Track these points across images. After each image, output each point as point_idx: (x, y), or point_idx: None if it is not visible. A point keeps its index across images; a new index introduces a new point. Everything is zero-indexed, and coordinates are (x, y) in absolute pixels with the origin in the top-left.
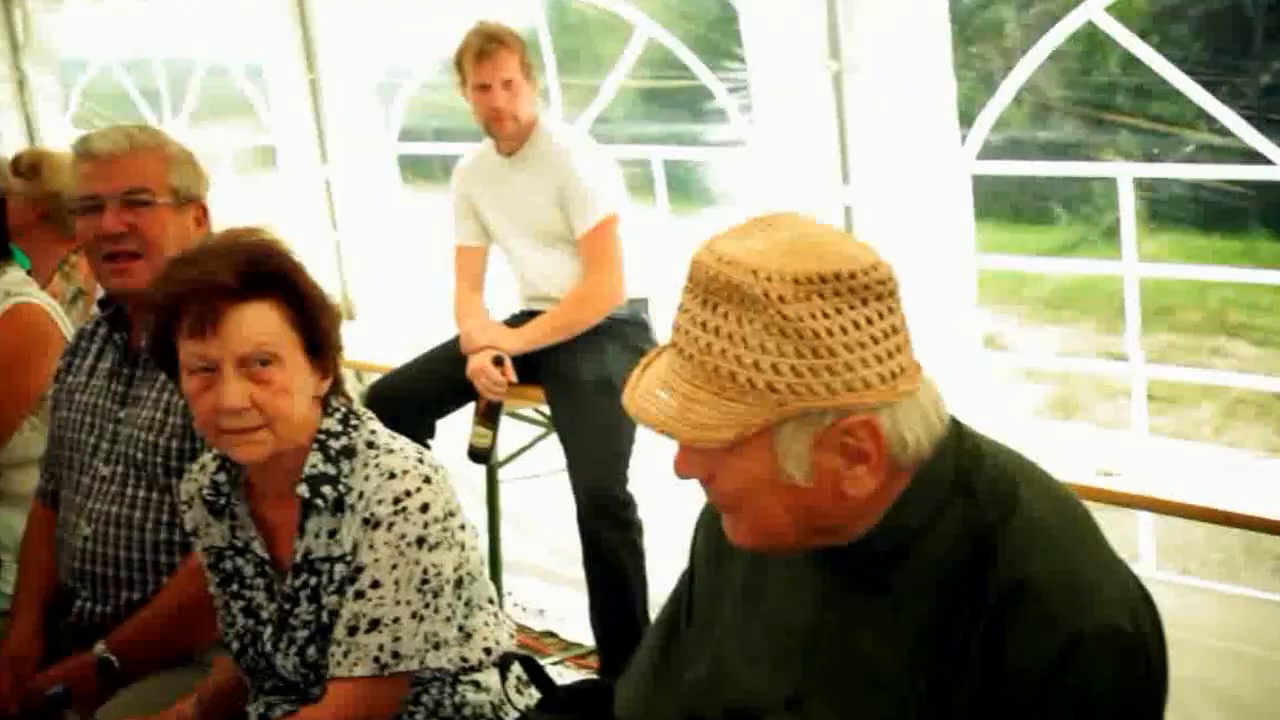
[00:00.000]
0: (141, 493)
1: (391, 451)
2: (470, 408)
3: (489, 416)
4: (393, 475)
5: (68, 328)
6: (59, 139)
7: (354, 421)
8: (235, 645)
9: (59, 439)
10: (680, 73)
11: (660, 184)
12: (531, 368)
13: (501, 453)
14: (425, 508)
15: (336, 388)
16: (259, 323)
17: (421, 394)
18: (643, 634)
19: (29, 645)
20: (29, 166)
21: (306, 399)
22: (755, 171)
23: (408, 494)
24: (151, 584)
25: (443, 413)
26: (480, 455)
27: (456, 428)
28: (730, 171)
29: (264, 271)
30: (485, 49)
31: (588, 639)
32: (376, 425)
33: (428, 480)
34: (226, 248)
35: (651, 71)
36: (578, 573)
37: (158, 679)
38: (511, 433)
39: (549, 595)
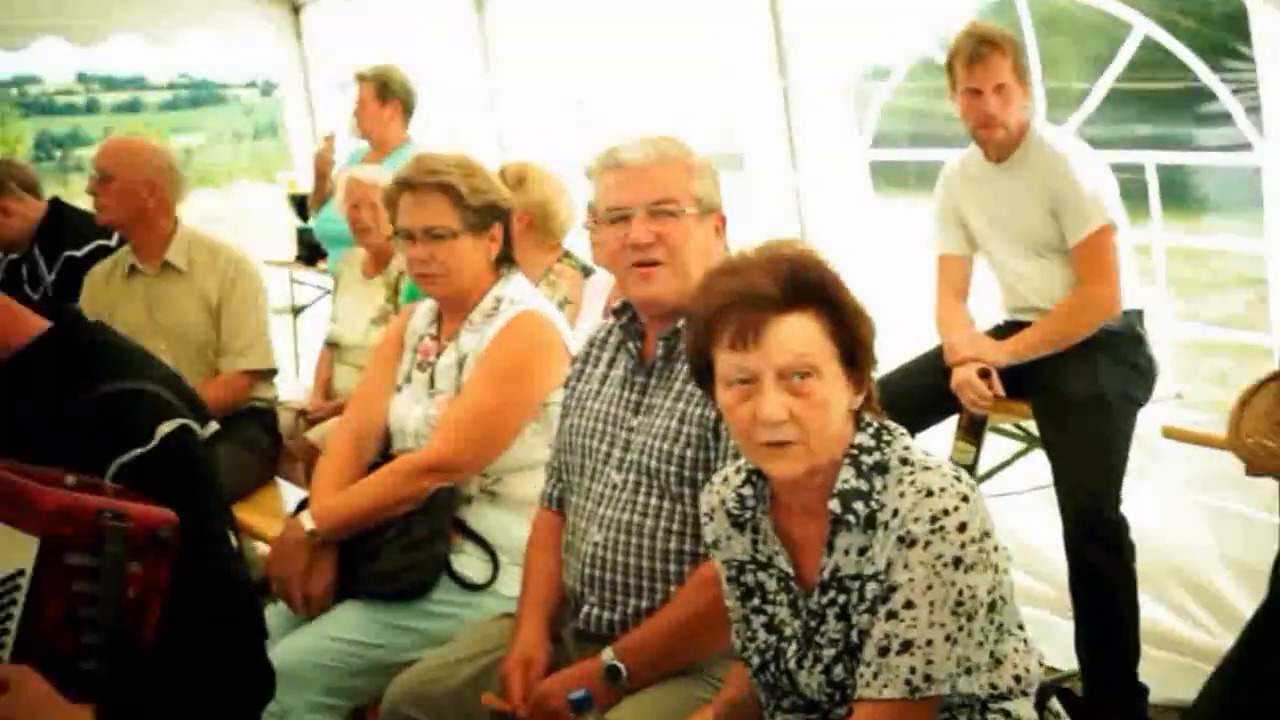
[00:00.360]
0: (653, 501)
1: (928, 468)
2: (952, 421)
3: (972, 431)
4: (930, 493)
5: (568, 335)
6: (525, 150)
7: (886, 437)
8: (755, 660)
9: (569, 445)
10: (1175, 73)
11: (1153, 190)
12: (1017, 381)
13: (980, 468)
14: (963, 527)
15: (869, 402)
16: (800, 334)
17: (902, 406)
18: (1131, 662)
19: (538, 649)
20: (514, 178)
21: (842, 413)
22: (1264, 177)
23: (945, 512)
24: (660, 593)
25: (923, 425)
26: None
27: (937, 441)
28: (1232, 178)
29: (806, 283)
30: (978, 52)
31: (1062, 662)
32: (909, 441)
33: (965, 499)
34: (768, 259)
35: (1139, 72)
36: (1051, 592)
37: (662, 689)
38: (990, 447)
39: (1023, 615)
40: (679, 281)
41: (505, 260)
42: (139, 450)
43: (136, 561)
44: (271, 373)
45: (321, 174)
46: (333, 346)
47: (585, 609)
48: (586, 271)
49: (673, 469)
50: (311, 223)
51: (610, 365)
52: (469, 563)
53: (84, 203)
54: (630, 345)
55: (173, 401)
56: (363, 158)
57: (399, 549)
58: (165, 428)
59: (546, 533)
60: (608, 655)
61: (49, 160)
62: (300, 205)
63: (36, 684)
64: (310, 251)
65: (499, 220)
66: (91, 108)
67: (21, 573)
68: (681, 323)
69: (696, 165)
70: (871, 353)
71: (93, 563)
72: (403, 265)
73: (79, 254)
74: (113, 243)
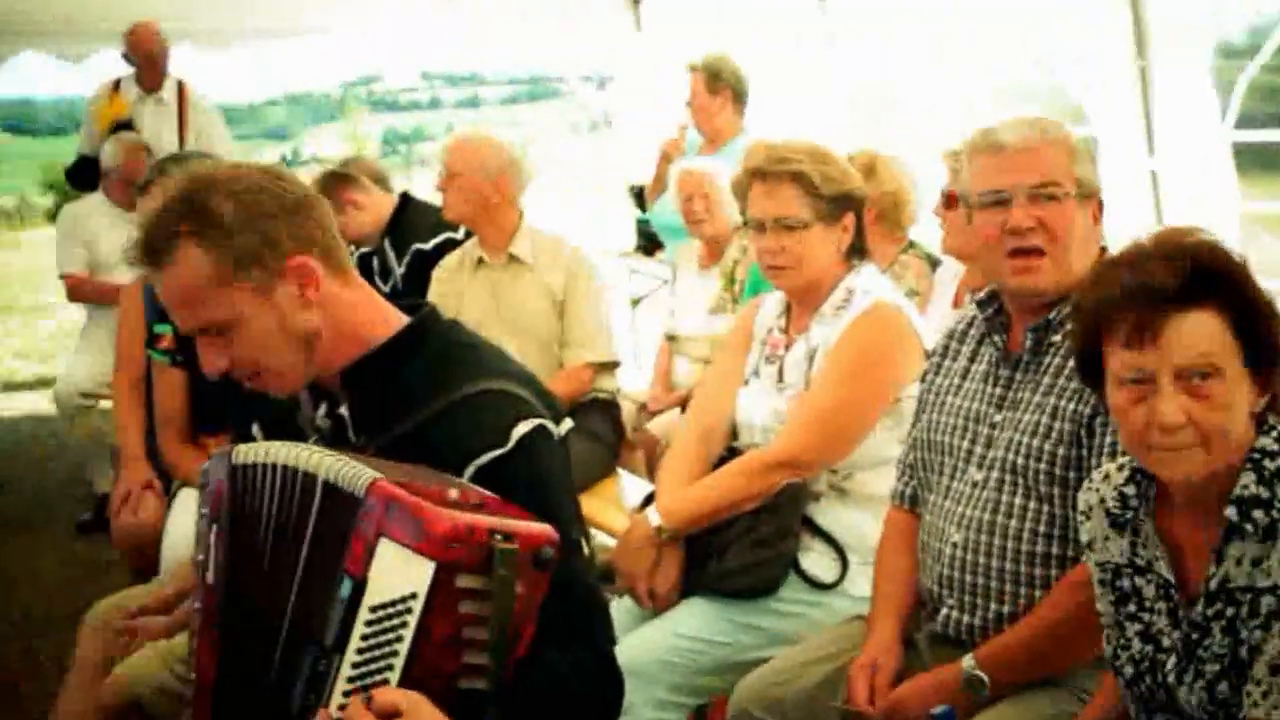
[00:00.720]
0: (1019, 500)
1: None
2: None
3: None
4: None
5: (921, 327)
6: (867, 139)
7: None
8: (1129, 670)
9: (925, 442)
10: None
11: None
12: None
13: None
14: None
15: (1274, 404)
16: (1201, 332)
17: None
18: None
19: (888, 653)
20: (864, 168)
21: (1244, 415)
22: None
23: None
24: (1024, 597)
25: None
26: None
27: None
28: None
29: (1209, 276)
30: None
31: None
32: None
33: None
34: (1167, 250)
35: None
36: None
37: (1024, 700)
38: None
39: None
40: (1059, 271)
41: (857, 251)
42: (496, 453)
43: (520, 582)
44: (614, 364)
45: (666, 163)
46: (671, 339)
47: (944, 612)
48: (933, 262)
49: (1042, 467)
50: (649, 213)
51: (972, 359)
52: (817, 561)
53: (428, 197)
54: (995, 338)
55: (529, 400)
56: (698, 149)
57: (746, 546)
58: (521, 429)
59: (898, 533)
60: (968, 663)
61: (395, 155)
62: (639, 196)
63: (429, 710)
64: (648, 242)
65: (851, 210)
66: (433, 104)
67: (414, 596)
68: (1054, 314)
69: (1076, 147)
70: (1279, 352)
71: (482, 585)
72: (738, 255)
73: (427, 247)
74: (459, 235)
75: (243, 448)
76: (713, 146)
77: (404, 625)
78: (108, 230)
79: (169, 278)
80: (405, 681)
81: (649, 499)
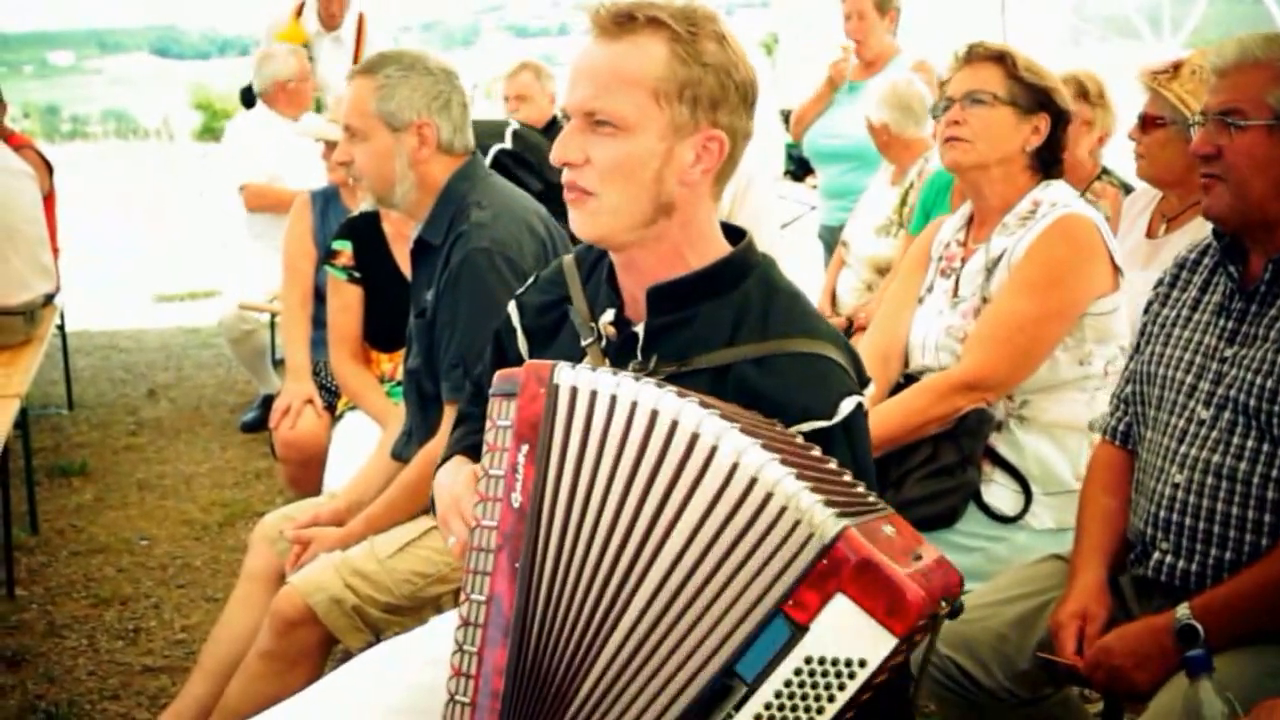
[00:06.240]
0: (1250, 443)
1: None
2: None
3: None
4: None
5: (1114, 244)
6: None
7: None
8: None
9: (1146, 375)
10: None
11: None
12: None
13: None
14: None
15: None
16: None
17: None
18: None
19: (1096, 601)
20: (1097, 93)
21: None
22: None
23: None
24: (1249, 545)
25: None
26: None
27: None
28: None
29: None
30: None
31: None
32: None
33: None
34: None
35: None
36: None
37: (1245, 655)
38: None
39: None
40: (1234, 198)
41: (1048, 165)
42: (821, 424)
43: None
44: None
45: (833, 86)
46: (844, 245)
47: (1156, 556)
48: (1126, 189)
49: (1275, 409)
50: (804, 139)
51: (1204, 289)
52: (998, 492)
53: None
54: (1231, 268)
55: (851, 373)
56: (853, 72)
57: (924, 475)
58: (847, 405)
59: (1108, 470)
60: (1182, 613)
61: None
62: (788, 120)
63: None
64: (799, 166)
65: (1049, 113)
66: (562, 30)
67: (864, 664)
68: None
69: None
70: None
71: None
72: (914, 178)
73: None
74: None
75: (567, 369)
76: (872, 70)
77: (841, 688)
78: (274, 142)
79: (615, 53)
80: None
81: None
